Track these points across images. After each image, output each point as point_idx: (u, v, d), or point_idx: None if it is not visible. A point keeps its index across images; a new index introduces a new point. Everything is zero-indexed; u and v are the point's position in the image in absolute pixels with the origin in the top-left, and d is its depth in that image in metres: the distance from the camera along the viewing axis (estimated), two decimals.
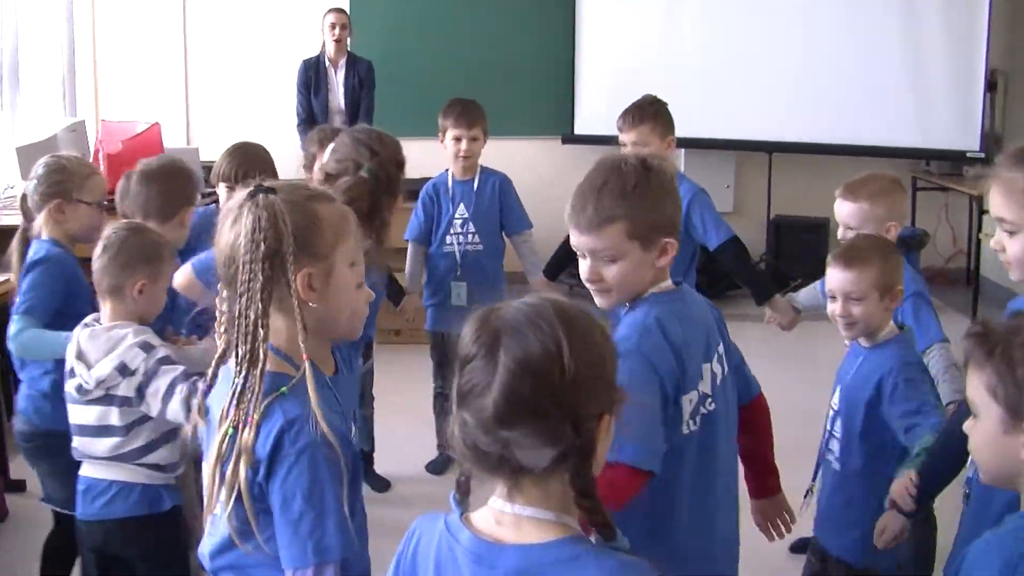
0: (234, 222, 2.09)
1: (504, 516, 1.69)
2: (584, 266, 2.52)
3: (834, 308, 3.31)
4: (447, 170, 5.49)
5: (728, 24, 8.93)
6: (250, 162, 4.41)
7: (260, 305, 2.04)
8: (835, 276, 3.30)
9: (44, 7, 8.35)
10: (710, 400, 2.57)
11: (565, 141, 9.12)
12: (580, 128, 9.06)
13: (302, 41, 8.98)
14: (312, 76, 8.55)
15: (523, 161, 8.77)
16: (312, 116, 8.46)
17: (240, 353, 2.04)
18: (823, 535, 3.49)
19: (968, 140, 8.50)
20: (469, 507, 1.76)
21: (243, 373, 2.03)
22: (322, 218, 2.14)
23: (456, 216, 5.40)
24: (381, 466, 5.50)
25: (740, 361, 2.91)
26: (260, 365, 2.03)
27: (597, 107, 8.79)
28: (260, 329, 2.04)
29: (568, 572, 1.63)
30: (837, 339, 3.52)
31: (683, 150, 9.19)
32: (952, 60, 8.53)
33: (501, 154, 8.06)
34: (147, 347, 3.15)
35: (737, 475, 2.81)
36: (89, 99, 8.95)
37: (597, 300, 2.54)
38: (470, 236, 5.40)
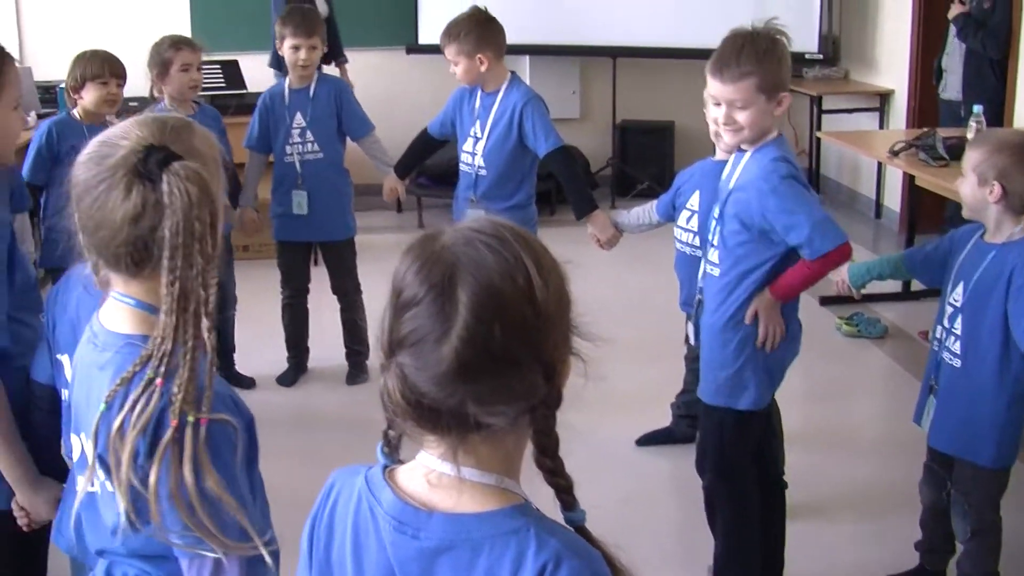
0: (127, 192, 1.81)
1: (441, 478, 1.43)
2: (719, 112, 3.28)
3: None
4: (284, 78, 5.46)
5: None
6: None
7: (203, 293, 1.80)
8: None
9: None
10: None
11: (409, 51, 9.05)
12: (424, 38, 8.99)
13: None
14: None
15: (368, 71, 8.71)
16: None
17: (184, 342, 1.79)
18: (945, 437, 3.50)
19: (807, 42, 8.64)
20: (398, 461, 1.51)
21: (187, 365, 1.77)
22: (207, 156, 1.92)
23: (294, 125, 5.37)
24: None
25: None
26: (204, 355, 1.81)
27: (440, 17, 8.69)
28: (205, 318, 1.81)
29: (502, 550, 1.39)
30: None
31: (528, 56, 9.19)
32: None
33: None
34: None
35: None
36: None
37: (728, 138, 3.34)
38: (309, 145, 5.39)
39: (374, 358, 5.56)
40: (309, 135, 5.38)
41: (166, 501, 1.74)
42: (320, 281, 5.71)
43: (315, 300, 5.73)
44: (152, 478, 1.73)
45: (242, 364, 5.56)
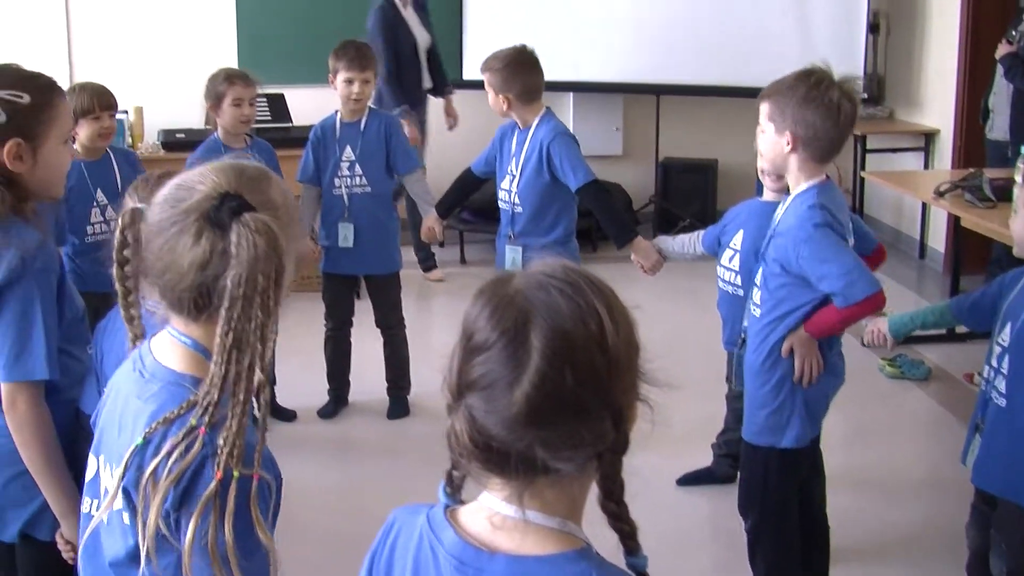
0: (197, 238, 1.79)
1: (505, 520, 1.43)
2: None
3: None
4: (336, 112, 5.49)
5: None
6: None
7: (260, 347, 1.78)
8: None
9: None
10: None
11: (455, 87, 9.08)
12: (468, 74, 9.02)
13: None
14: (392, 20, 7.64)
15: None
16: (401, 62, 7.62)
17: (234, 393, 1.76)
18: (987, 475, 3.46)
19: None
20: (460, 501, 1.52)
21: (237, 418, 1.75)
22: (280, 206, 1.89)
23: (343, 158, 5.41)
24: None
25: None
26: (249, 413, 1.78)
27: (486, 53, 8.75)
28: (259, 372, 1.79)
29: None
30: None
31: (572, 93, 9.20)
32: (834, 2, 8.65)
33: None
34: None
35: None
36: None
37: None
38: (357, 178, 5.42)
39: (415, 393, 5.59)
40: (358, 169, 5.41)
41: (199, 555, 1.72)
42: (364, 314, 5.71)
43: (358, 333, 5.74)
44: (189, 533, 1.72)
45: (283, 395, 5.57)
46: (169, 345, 1.91)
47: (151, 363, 1.91)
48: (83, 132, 4.71)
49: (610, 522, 1.44)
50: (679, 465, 4.86)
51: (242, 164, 1.91)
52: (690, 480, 4.81)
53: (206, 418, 1.75)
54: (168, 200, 1.84)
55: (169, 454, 1.74)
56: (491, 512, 1.44)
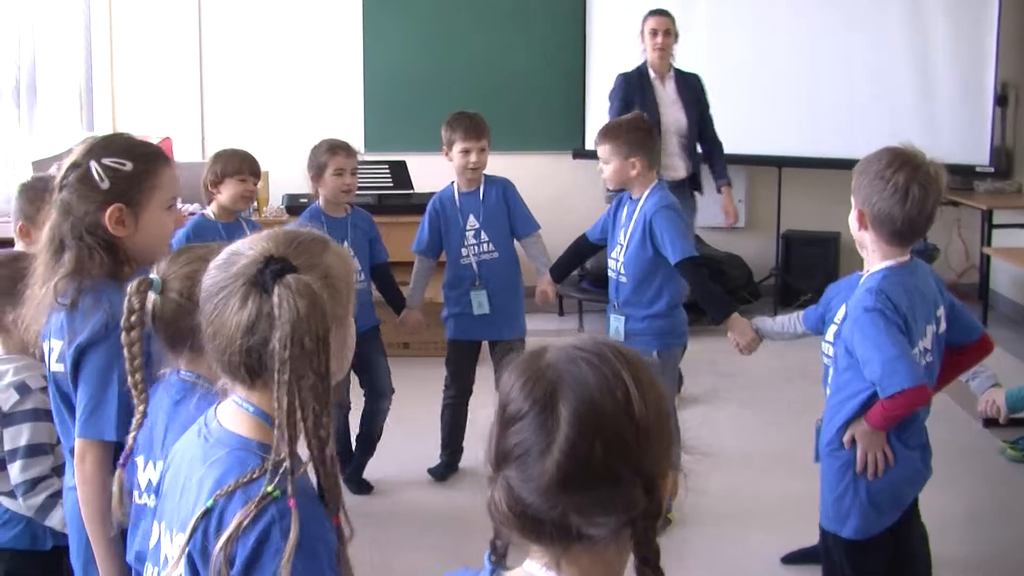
0: (243, 302, 1.83)
1: None
2: None
3: None
4: (452, 183, 5.53)
5: (738, 38, 8.93)
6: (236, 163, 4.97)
7: (317, 406, 1.80)
8: None
9: (62, 21, 8.42)
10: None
11: (576, 156, 9.14)
12: (591, 143, 9.06)
13: (316, 55, 9.07)
14: (636, 90, 7.00)
15: (534, 175, 8.82)
16: None
17: (283, 458, 1.79)
18: None
19: (979, 154, 8.49)
20: (505, 567, 1.55)
21: (272, 479, 1.78)
22: (337, 275, 1.92)
23: (467, 228, 5.46)
24: (384, 473, 5.61)
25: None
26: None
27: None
28: (321, 431, 1.81)
29: None
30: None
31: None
32: (962, 74, 8.54)
33: (513, 168, 8.14)
34: (23, 389, 3.18)
35: None
36: (106, 113, 9.02)
37: None
38: (484, 245, 5.46)
39: None
40: (484, 236, 5.45)
41: None
42: (479, 382, 5.68)
43: (476, 399, 5.70)
44: None
45: (391, 460, 5.60)
46: (233, 412, 1.93)
47: (216, 428, 1.93)
48: (227, 192, 4.95)
49: None
50: (784, 542, 4.76)
51: (298, 231, 1.95)
52: (796, 559, 4.70)
53: (279, 483, 1.77)
54: (220, 265, 1.88)
55: (241, 522, 1.75)
56: None
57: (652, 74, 7.03)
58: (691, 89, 7.10)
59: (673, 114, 7.01)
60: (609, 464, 1.40)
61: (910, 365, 3.22)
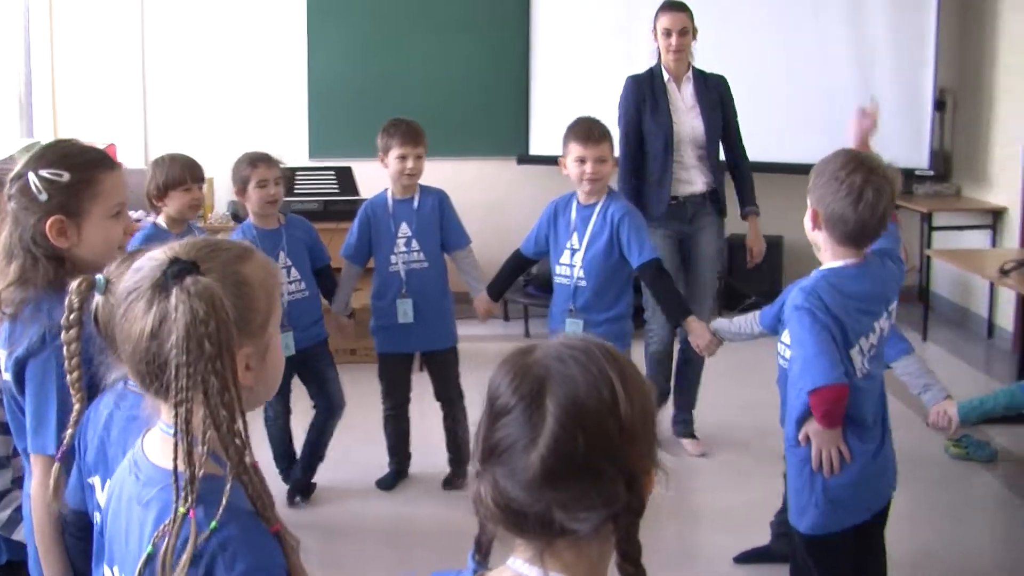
0: (148, 306, 1.75)
1: None
2: None
3: None
4: (386, 189, 5.51)
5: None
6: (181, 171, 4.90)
7: (226, 414, 1.73)
8: None
9: None
10: None
11: (520, 161, 9.16)
12: (535, 149, 9.10)
13: (260, 60, 9.03)
14: (646, 95, 6.17)
15: (479, 180, 8.86)
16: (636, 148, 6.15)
17: (182, 474, 1.72)
18: None
19: (918, 158, 8.63)
20: (488, 566, 1.57)
21: (186, 498, 1.71)
22: (253, 284, 1.84)
23: (399, 235, 5.43)
24: (332, 479, 5.61)
25: None
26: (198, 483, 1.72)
27: (552, 128, 8.83)
28: (237, 441, 1.74)
29: None
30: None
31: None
32: (901, 80, 8.66)
33: (458, 174, 8.16)
34: None
35: None
36: (47, 119, 8.92)
37: None
38: (415, 254, 5.43)
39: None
40: (415, 244, 5.42)
41: None
42: (421, 387, 5.72)
43: (418, 406, 5.74)
44: None
45: (341, 468, 5.59)
46: (158, 440, 1.85)
47: (144, 463, 1.86)
48: (173, 205, 4.88)
49: None
50: (736, 542, 4.81)
51: (224, 240, 1.91)
52: (748, 558, 4.75)
53: (188, 497, 1.70)
54: (131, 271, 1.83)
55: (174, 550, 1.67)
56: (514, 573, 1.50)
57: (667, 76, 6.17)
58: (713, 93, 6.25)
59: (689, 122, 6.14)
60: (592, 460, 1.42)
61: (827, 363, 3.25)
